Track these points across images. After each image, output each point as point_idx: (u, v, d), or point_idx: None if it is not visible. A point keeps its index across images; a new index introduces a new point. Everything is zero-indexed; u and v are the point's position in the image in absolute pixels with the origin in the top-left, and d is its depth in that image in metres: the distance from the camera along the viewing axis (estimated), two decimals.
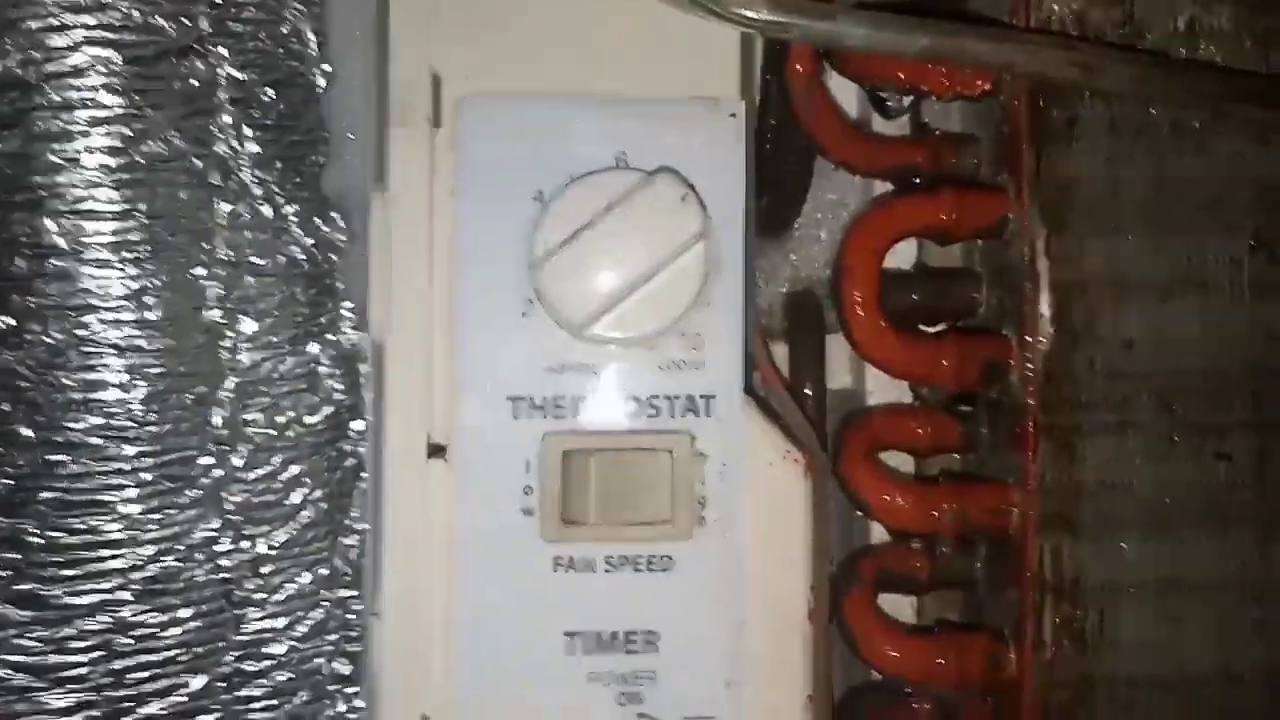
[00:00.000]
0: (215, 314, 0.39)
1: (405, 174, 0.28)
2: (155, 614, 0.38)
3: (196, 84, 0.38)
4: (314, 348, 0.40)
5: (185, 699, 0.38)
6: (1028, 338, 0.28)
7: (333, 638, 0.38)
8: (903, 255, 0.33)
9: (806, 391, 0.32)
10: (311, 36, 0.38)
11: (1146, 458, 0.28)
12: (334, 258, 0.39)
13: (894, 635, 0.29)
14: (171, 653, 0.38)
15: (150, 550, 0.38)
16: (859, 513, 0.30)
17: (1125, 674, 0.28)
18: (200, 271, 0.39)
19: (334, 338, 0.40)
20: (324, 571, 0.39)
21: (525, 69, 0.28)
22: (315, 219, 0.40)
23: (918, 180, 0.30)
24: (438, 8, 0.28)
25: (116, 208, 0.37)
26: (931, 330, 0.31)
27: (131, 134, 0.37)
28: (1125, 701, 0.28)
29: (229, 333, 0.39)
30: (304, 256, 0.40)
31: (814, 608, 0.28)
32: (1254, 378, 0.29)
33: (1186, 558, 0.29)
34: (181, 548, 0.38)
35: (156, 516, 0.38)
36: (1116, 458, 0.28)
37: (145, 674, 0.38)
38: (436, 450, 0.27)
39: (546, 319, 0.27)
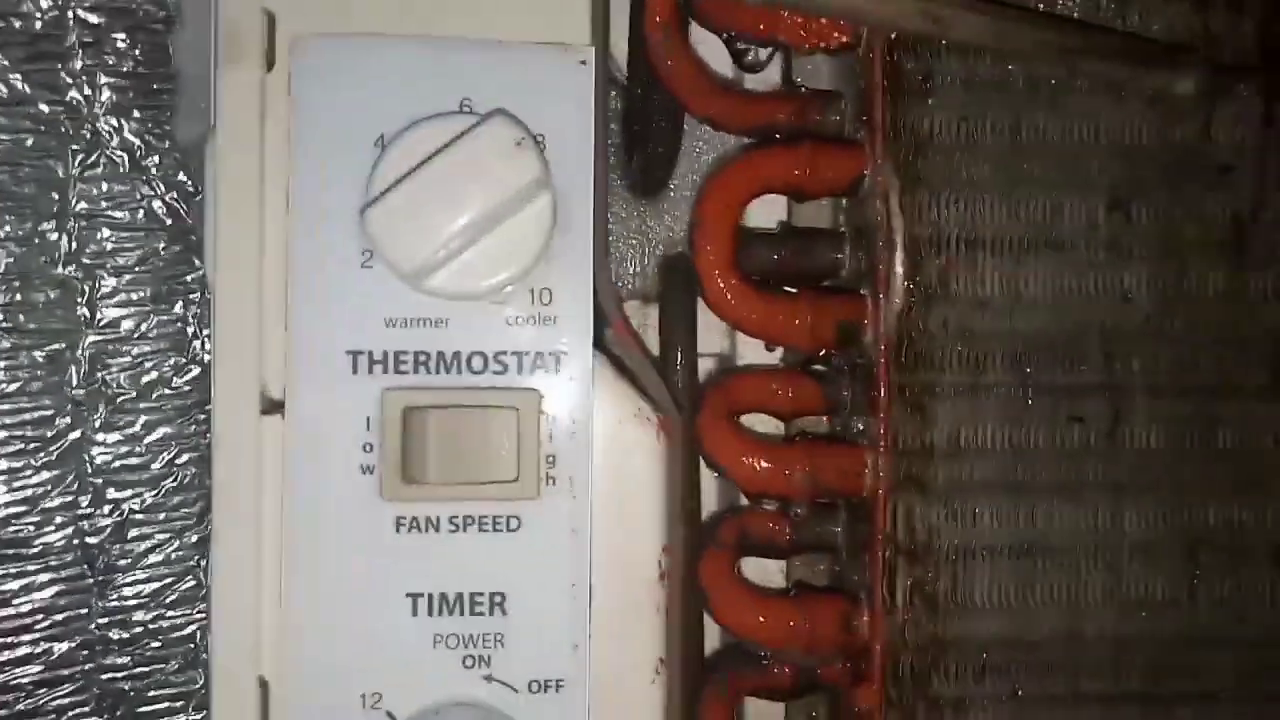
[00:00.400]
0: (69, 269, 0.38)
1: (235, 118, 0.26)
2: (10, 580, 0.37)
3: (41, 25, 0.36)
4: (179, 307, 0.39)
5: (41, 667, 0.37)
6: (881, 297, 0.28)
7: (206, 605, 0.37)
8: (775, 214, 0.32)
9: (677, 354, 0.31)
10: None
11: (1000, 420, 0.28)
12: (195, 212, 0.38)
13: (746, 598, 0.28)
14: (29, 620, 0.37)
15: (1, 514, 0.37)
16: (715, 474, 0.29)
17: (977, 637, 0.28)
18: (49, 225, 0.37)
19: (201, 296, 0.39)
20: (193, 537, 0.38)
21: (366, 7, 0.27)
22: (178, 171, 0.38)
23: (779, 137, 0.29)
24: None
25: None
26: (794, 291, 0.30)
27: None
28: (976, 664, 0.28)
29: (84, 288, 0.38)
30: (164, 210, 0.38)
31: (666, 569, 0.27)
32: (1107, 340, 0.28)
33: (1039, 521, 0.28)
34: (37, 511, 0.37)
35: (5, 479, 0.37)
36: (970, 419, 0.28)
37: (2, 640, 0.37)
38: (274, 406, 0.26)
39: (388, 272, 0.26)
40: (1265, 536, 0.29)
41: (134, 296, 0.38)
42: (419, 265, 0.25)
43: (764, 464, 0.28)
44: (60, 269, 0.38)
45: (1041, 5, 0.28)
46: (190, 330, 0.38)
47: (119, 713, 0.37)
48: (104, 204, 0.37)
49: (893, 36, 0.28)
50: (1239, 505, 0.29)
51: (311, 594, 0.26)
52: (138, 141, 0.37)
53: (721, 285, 0.28)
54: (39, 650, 0.37)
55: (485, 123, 0.25)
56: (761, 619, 0.28)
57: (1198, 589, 0.29)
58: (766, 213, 0.32)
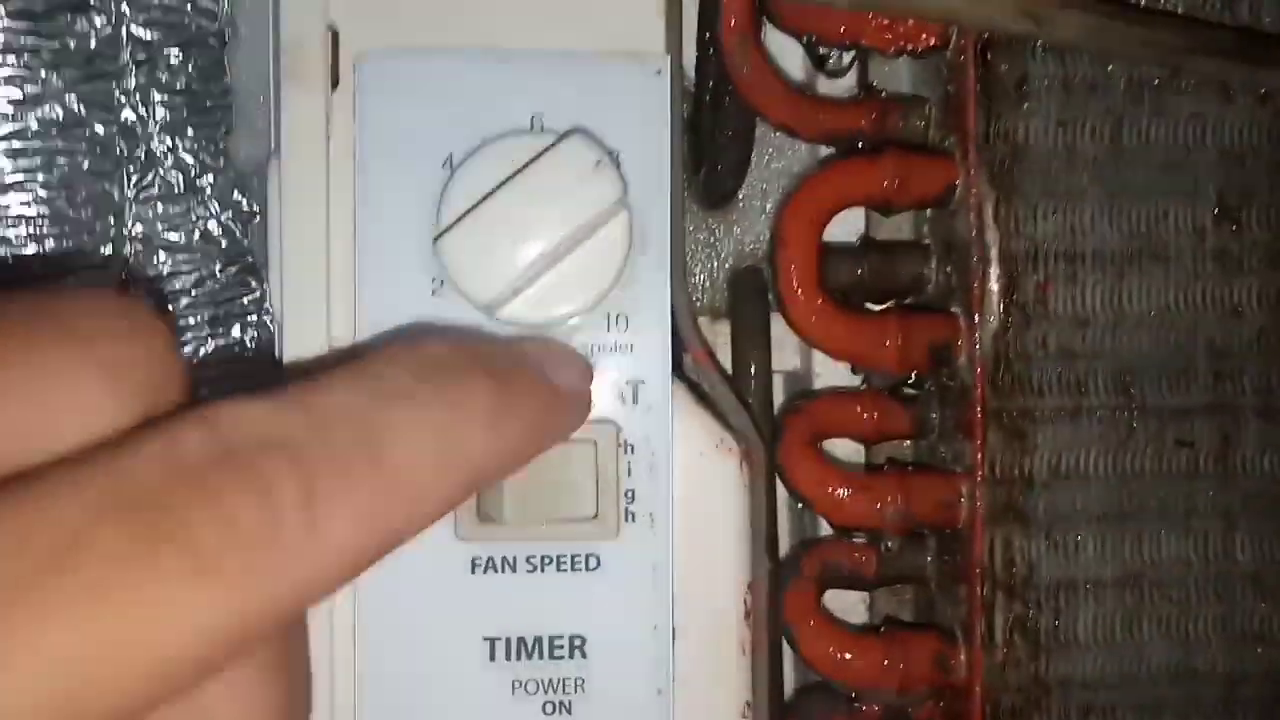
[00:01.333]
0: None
1: (298, 139, 0.25)
2: None
3: (95, 43, 0.36)
4: (237, 331, 0.38)
5: None
6: (975, 316, 0.26)
7: None
8: (853, 227, 0.31)
9: (751, 373, 0.30)
10: None
11: (1103, 445, 0.26)
12: (252, 233, 0.37)
13: (835, 636, 0.27)
14: None
15: None
16: (798, 505, 0.28)
17: (1081, 675, 0.27)
18: (106, 250, 0.36)
19: (259, 319, 0.38)
20: None
21: (432, 21, 0.26)
22: (234, 191, 0.38)
23: (861, 146, 0.28)
24: None
25: (9, 179, 0.34)
26: (878, 308, 0.29)
27: (23, 98, 0.35)
28: (1081, 704, 0.27)
29: None
30: (219, 231, 0.37)
31: (750, 607, 0.26)
32: (1216, 358, 0.27)
33: (1145, 552, 0.27)
34: None
35: None
36: (1071, 445, 0.26)
37: None
38: None
39: (459, 299, 0.25)
40: None
41: (191, 321, 0.38)
42: (494, 296, 0.24)
43: (854, 495, 0.27)
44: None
45: (1145, 0, 0.26)
46: (249, 355, 0.38)
47: None
48: (160, 226, 0.36)
49: (986, 37, 0.26)
50: None
51: (387, 639, 0.25)
52: (192, 161, 0.37)
53: (806, 307, 0.27)
54: None
55: (562, 143, 0.24)
56: (850, 657, 0.27)
57: None
58: (844, 225, 0.31)
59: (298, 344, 0.25)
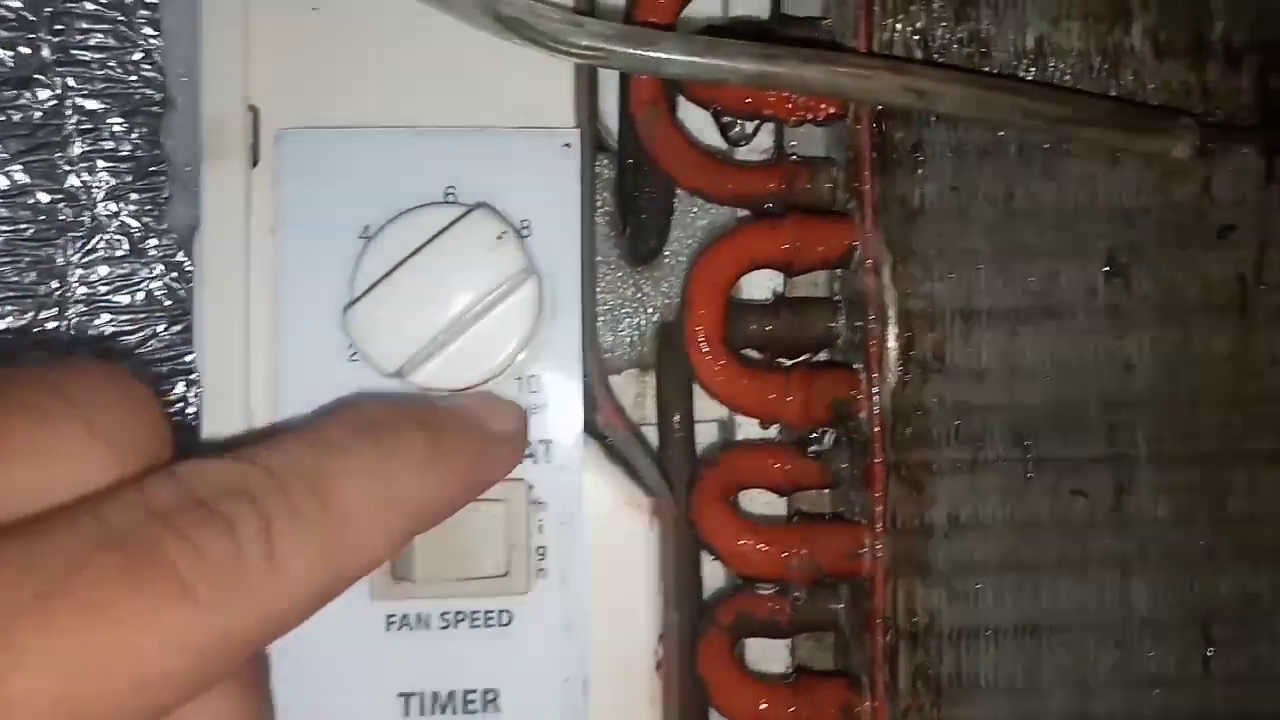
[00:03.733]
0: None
1: (219, 213, 0.26)
2: None
3: (42, 114, 0.37)
4: (181, 388, 0.39)
5: None
6: (875, 371, 0.27)
7: None
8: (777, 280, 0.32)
9: (674, 423, 0.31)
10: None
11: (1000, 496, 0.27)
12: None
13: (745, 684, 0.28)
14: None
15: None
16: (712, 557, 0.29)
17: None
18: (50, 313, 0.37)
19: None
20: None
21: (350, 100, 0.27)
22: (177, 252, 0.38)
23: (770, 208, 0.29)
24: (254, 37, 0.27)
25: None
26: (789, 363, 0.30)
27: None
28: None
29: None
30: (163, 291, 0.38)
31: (662, 658, 0.27)
32: (1109, 409, 0.28)
33: (1044, 600, 0.28)
34: None
35: None
36: (969, 496, 0.27)
37: None
38: None
39: None
40: None
41: None
42: (402, 364, 0.24)
43: (760, 547, 0.28)
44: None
45: (1033, 69, 0.28)
46: (192, 410, 0.38)
47: None
48: (103, 289, 0.37)
49: (880, 108, 0.27)
50: (1252, 576, 0.28)
51: (306, 695, 0.26)
52: (136, 224, 0.38)
53: (712, 364, 0.28)
54: None
55: (465, 219, 0.25)
56: (762, 706, 0.28)
57: (1211, 664, 0.28)
58: (766, 279, 0.32)
59: (218, 409, 0.26)
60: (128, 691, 0.17)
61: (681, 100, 0.30)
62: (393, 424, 0.22)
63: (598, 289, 0.33)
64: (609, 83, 0.31)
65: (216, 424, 0.26)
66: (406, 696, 0.26)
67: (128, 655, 0.17)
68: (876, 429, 0.27)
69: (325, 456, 0.21)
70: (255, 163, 0.26)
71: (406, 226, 0.25)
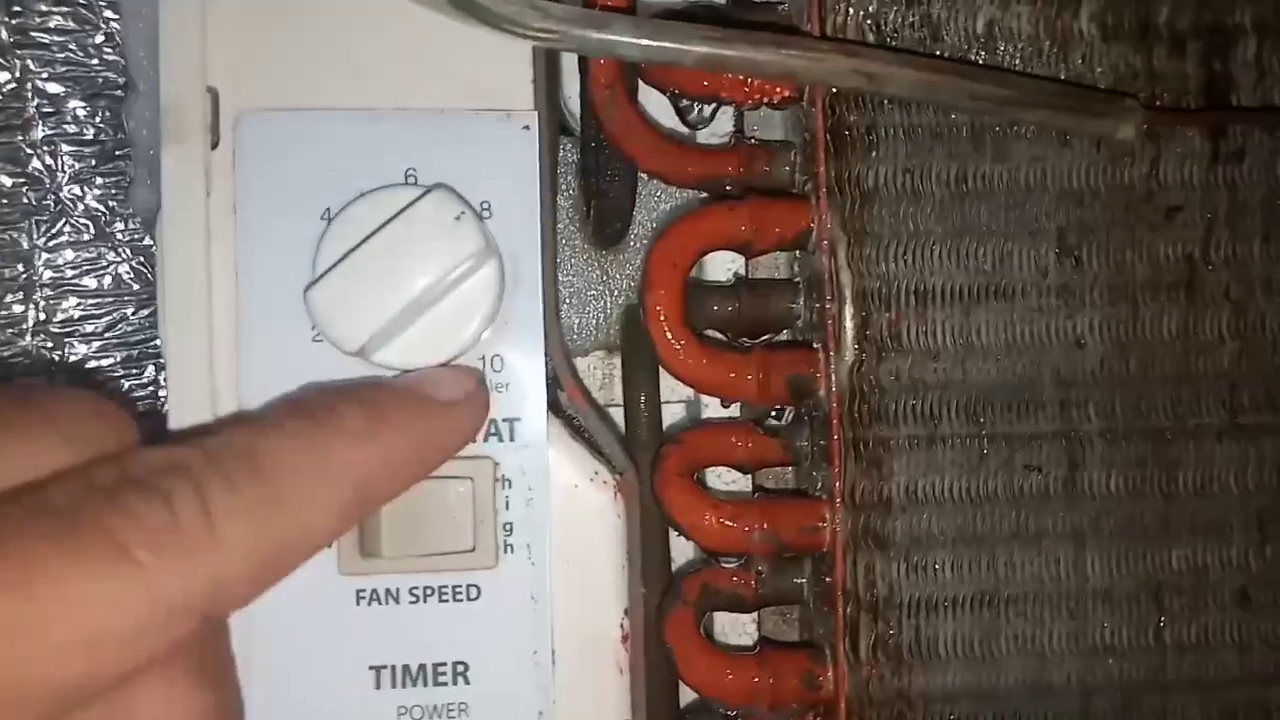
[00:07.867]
0: (38, 339, 0.38)
1: (180, 196, 0.26)
2: None
3: (1, 97, 0.37)
4: (150, 371, 0.39)
5: None
6: (832, 350, 0.28)
7: None
8: (738, 263, 0.32)
9: (641, 405, 0.31)
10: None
11: (956, 471, 0.28)
12: None
13: (710, 656, 0.28)
14: None
15: None
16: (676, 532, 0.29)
17: (941, 689, 0.28)
18: (15, 297, 0.37)
19: None
20: None
21: (310, 82, 0.27)
22: (144, 236, 0.38)
23: (729, 190, 0.29)
24: (212, 20, 0.27)
25: None
26: (751, 343, 0.30)
27: None
28: (941, 717, 0.28)
29: (54, 357, 0.38)
30: (130, 275, 0.38)
31: (628, 631, 0.27)
32: (1061, 386, 0.28)
33: (1000, 571, 0.28)
34: None
35: None
36: (925, 472, 0.28)
37: None
38: None
39: None
40: (1229, 578, 0.29)
41: (105, 362, 0.39)
42: (364, 344, 0.25)
43: (723, 522, 0.28)
44: (29, 340, 0.38)
45: (983, 53, 0.28)
46: (164, 394, 0.38)
47: None
48: (70, 273, 0.37)
49: (833, 90, 0.28)
50: (1201, 547, 0.29)
51: (275, 671, 0.26)
52: (101, 208, 0.38)
53: (672, 344, 0.28)
54: None
55: (424, 199, 0.25)
56: (726, 676, 0.28)
57: (1163, 633, 0.28)
58: (728, 260, 0.32)
59: (183, 390, 0.26)
60: (66, 646, 0.18)
61: (644, 86, 0.30)
62: (328, 401, 0.23)
63: (564, 272, 0.33)
64: (573, 67, 0.31)
65: (182, 406, 0.26)
66: (377, 669, 0.26)
67: (65, 611, 0.18)
68: (834, 406, 0.28)
69: (260, 434, 0.22)
70: (215, 145, 0.27)
71: (366, 208, 0.26)
